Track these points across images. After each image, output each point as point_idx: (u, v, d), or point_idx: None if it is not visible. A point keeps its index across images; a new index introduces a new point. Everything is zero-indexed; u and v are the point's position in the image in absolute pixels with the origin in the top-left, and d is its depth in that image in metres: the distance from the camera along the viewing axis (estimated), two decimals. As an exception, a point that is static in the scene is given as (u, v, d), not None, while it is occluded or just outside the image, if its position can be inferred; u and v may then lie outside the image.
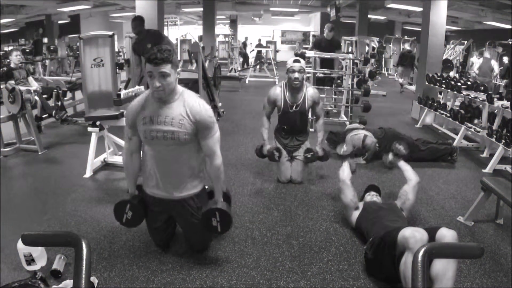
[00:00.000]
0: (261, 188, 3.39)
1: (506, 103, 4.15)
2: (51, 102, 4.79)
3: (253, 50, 13.82)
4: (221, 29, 16.04)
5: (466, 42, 10.31)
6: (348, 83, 6.02)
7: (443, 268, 1.74)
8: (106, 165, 3.83)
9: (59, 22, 13.89)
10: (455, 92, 5.27)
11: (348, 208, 2.63)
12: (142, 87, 3.99)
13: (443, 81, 5.62)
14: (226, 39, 14.39)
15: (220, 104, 6.26)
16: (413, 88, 8.77)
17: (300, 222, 2.77)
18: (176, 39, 12.37)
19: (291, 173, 3.47)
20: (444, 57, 8.94)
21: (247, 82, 10.77)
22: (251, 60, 13.64)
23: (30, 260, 2.11)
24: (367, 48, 11.08)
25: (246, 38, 17.24)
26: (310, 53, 5.84)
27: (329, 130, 4.48)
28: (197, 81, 5.47)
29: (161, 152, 2.08)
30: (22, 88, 4.28)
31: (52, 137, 4.84)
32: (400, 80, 10.02)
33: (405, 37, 13.34)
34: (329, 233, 2.62)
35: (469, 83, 5.25)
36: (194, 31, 16.27)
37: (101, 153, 3.84)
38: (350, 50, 8.93)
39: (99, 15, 16.04)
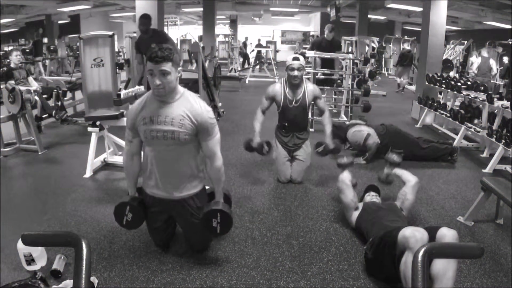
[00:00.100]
0: (261, 188, 3.39)
1: (506, 103, 4.16)
2: (51, 102, 4.79)
3: (253, 50, 13.83)
4: (221, 29, 16.05)
5: (466, 42, 10.31)
6: (348, 83, 6.02)
7: (443, 268, 1.74)
8: (106, 165, 3.83)
9: (59, 22, 13.89)
10: (455, 92, 5.27)
11: (348, 209, 2.63)
12: (142, 87, 3.98)
13: (443, 81, 5.61)
14: (226, 39, 14.39)
15: (220, 104, 6.27)
16: (413, 88, 8.78)
17: (300, 222, 2.77)
18: (176, 39, 12.38)
19: (291, 173, 3.47)
20: (444, 57, 8.93)
21: (247, 82, 10.78)
22: (251, 60, 13.64)
23: (30, 260, 2.11)
24: (367, 48, 11.08)
25: (246, 38, 17.24)
26: (310, 53, 5.84)
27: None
28: (197, 81, 5.48)
29: (161, 152, 2.08)
30: (22, 88, 4.28)
31: (52, 137, 4.84)
32: (398, 80, 10.03)
33: (405, 37, 13.33)
34: (329, 233, 2.62)
35: (469, 83, 5.25)
36: (194, 31, 16.29)
37: (101, 153, 3.84)
38: (350, 50, 8.93)
39: (99, 15, 16.04)
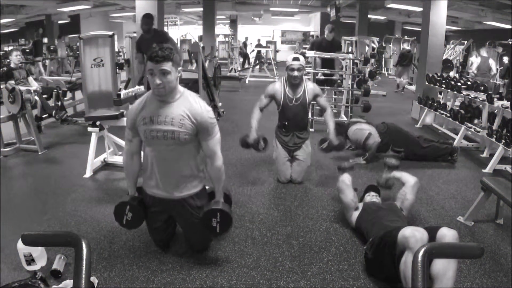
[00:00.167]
0: (261, 188, 3.39)
1: (506, 103, 4.16)
2: (51, 102, 4.79)
3: (253, 50, 13.84)
4: (221, 29, 16.07)
5: (466, 42, 10.31)
6: (348, 83, 6.02)
7: (443, 267, 1.74)
8: (106, 165, 3.83)
9: (59, 22, 13.89)
10: (455, 92, 5.27)
11: (348, 209, 2.63)
12: (142, 87, 3.98)
13: (443, 81, 5.61)
14: (226, 39, 14.40)
15: (220, 104, 6.27)
16: (413, 88, 8.77)
17: (300, 222, 2.77)
18: (176, 39, 12.37)
19: (291, 173, 3.47)
20: (444, 57, 8.94)
21: (247, 82, 10.78)
22: (251, 60, 13.65)
23: (30, 260, 2.11)
24: (367, 48, 11.08)
25: (247, 38, 17.25)
26: (310, 53, 5.84)
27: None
28: (197, 81, 5.48)
29: (161, 152, 2.08)
30: (22, 88, 4.28)
31: (52, 137, 4.84)
32: (398, 80, 10.03)
33: (405, 37, 13.33)
34: (329, 233, 2.62)
35: (469, 83, 5.25)
36: (194, 31, 16.30)
37: (101, 153, 3.84)
38: (350, 50, 8.93)
39: (99, 15, 16.04)
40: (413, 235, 1.81)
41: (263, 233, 2.59)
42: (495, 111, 4.49)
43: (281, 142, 3.52)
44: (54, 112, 4.53)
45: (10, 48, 11.18)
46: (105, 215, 2.78)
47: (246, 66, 14.15)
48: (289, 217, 2.85)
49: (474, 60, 9.09)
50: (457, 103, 5.82)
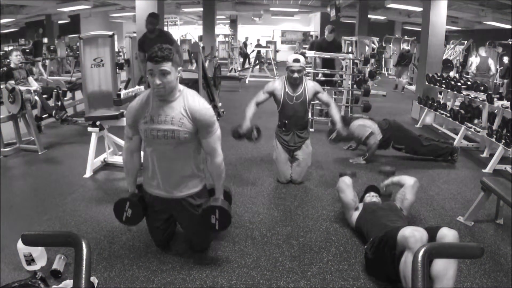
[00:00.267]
0: (261, 188, 3.38)
1: (506, 103, 4.15)
2: (51, 102, 4.79)
3: (253, 50, 13.84)
4: (221, 29, 16.06)
5: (466, 42, 10.31)
6: (348, 83, 6.02)
7: (444, 267, 1.74)
8: (106, 165, 3.83)
9: (59, 22, 13.88)
10: (455, 92, 5.27)
11: (349, 209, 2.63)
12: (142, 87, 3.99)
13: (443, 81, 5.61)
14: (226, 39, 14.40)
15: (220, 104, 6.26)
16: (413, 88, 8.77)
17: (300, 222, 2.77)
18: (177, 39, 12.37)
19: (291, 173, 3.47)
20: (444, 57, 8.94)
21: (247, 82, 10.78)
22: (251, 60, 13.65)
23: (30, 260, 2.11)
24: (367, 48, 11.08)
25: (247, 38, 17.25)
26: (310, 53, 5.84)
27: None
28: (197, 81, 5.48)
29: (161, 151, 2.08)
30: (22, 88, 4.28)
31: (52, 137, 4.84)
32: (397, 80, 10.02)
33: (405, 37, 13.33)
34: (329, 233, 2.62)
35: (469, 83, 5.25)
36: (194, 31, 16.30)
37: (101, 153, 3.84)
38: (350, 50, 8.93)
39: (99, 15, 16.03)
40: (413, 235, 1.81)
41: (263, 233, 2.59)
42: (495, 111, 4.49)
43: (281, 142, 3.51)
44: (54, 112, 4.53)
45: (10, 48, 11.18)
46: (105, 215, 2.78)
47: (246, 66, 14.15)
48: (289, 217, 2.85)
49: (474, 60, 9.09)
50: (457, 103, 5.82)
